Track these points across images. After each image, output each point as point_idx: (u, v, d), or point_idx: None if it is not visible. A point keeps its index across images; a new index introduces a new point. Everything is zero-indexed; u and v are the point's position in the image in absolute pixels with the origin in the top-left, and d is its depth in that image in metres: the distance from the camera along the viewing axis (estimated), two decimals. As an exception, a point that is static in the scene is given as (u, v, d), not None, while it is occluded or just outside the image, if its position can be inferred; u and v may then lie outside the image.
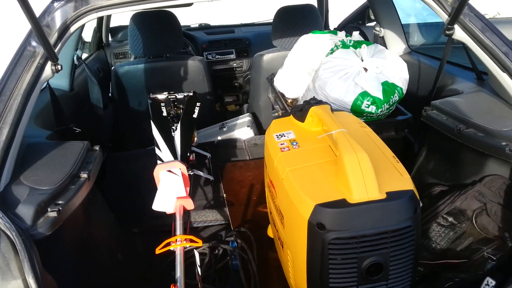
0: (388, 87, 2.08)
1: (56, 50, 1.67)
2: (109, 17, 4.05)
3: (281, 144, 1.59)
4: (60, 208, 1.44)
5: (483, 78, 2.14)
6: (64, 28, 1.70)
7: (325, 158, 1.47)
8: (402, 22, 2.98)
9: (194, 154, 2.27)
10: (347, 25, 4.18)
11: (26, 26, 1.53)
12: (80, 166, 1.66)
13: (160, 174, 1.72)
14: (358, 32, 2.39)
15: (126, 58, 4.08)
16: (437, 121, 1.98)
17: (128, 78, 2.95)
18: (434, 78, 2.23)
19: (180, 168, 1.73)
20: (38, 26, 1.50)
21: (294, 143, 1.58)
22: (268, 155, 1.67)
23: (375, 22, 3.09)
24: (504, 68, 1.76)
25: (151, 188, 1.73)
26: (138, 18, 2.91)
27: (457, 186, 1.91)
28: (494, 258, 1.60)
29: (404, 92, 2.17)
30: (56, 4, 1.70)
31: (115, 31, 4.42)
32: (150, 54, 2.98)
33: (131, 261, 2.10)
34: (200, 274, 1.61)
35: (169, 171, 1.73)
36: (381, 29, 2.98)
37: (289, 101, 2.57)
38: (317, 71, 2.16)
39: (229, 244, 2.08)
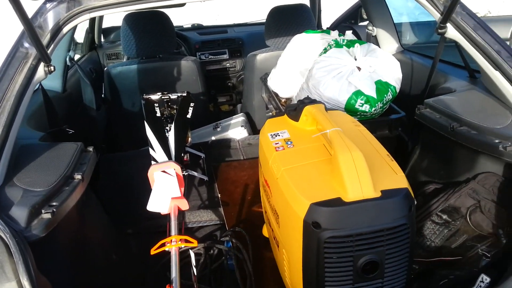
0: (381, 86, 2.08)
1: (48, 51, 1.66)
2: (101, 18, 4.04)
3: (276, 143, 1.59)
4: (54, 210, 1.43)
5: (475, 76, 2.15)
6: (57, 29, 1.70)
7: (320, 157, 1.47)
8: (395, 21, 2.99)
9: (188, 154, 2.26)
10: (340, 25, 4.19)
11: (19, 27, 1.53)
12: (74, 168, 1.65)
13: (155, 174, 1.72)
14: (351, 31, 2.40)
15: (119, 59, 4.07)
16: (430, 119, 1.98)
17: (121, 79, 2.94)
18: (427, 76, 2.24)
19: (174, 168, 1.73)
20: (30, 27, 1.49)
21: (289, 143, 1.58)
22: (263, 155, 1.67)
23: (367, 22, 3.10)
24: (497, 66, 1.77)
25: (146, 189, 1.73)
26: (130, 18, 2.90)
27: (451, 184, 1.92)
28: (489, 255, 1.61)
29: (398, 90, 2.17)
30: (48, 5, 1.69)
31: (107, 32, 4.41)
32: (143, 54, 2.97)
33: (125, 262, 2.10)
34: (195, 274, 1.60)
35: (164, 171, 1.72)
36: (374, 28, 2.99)
37: (282, 100, 2.57)
38: (311, 70, 2.16)
39: (224, 244, 2.08)
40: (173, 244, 1.57)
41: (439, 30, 1.87)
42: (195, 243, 1.60)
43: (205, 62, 4.01)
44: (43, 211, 1.42)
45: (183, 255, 1.94)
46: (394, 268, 1.35)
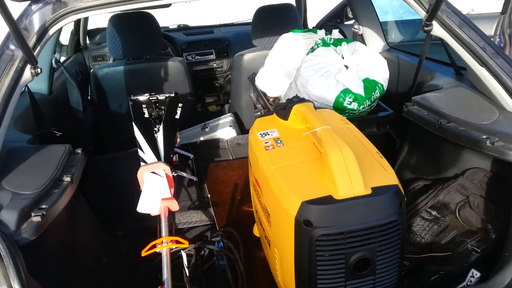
0: (369, 84, 2.09)
1: (35, 53, 1.65)
2: (86, 19, 4.02)
3: (265, 142, 1.59)
4: (44, 213, 1.42)
5: (461, 73, 2.18)
6: (43, 30, 1.68)
7: (310, 155, 1.47)
8: (380, 20, 3.01)
9: (177, 155, 2.25)
10: (326, 24, 4.20)
11: (4, 29, 1.51)
12: (63, 170, 1.64)
13: (144, 176, 1.71)
14: (338, 30, 2.41)
15: (105, 61, 4.05)
16: (418, 116, 2.00)
17: (107, 80, 2.92)
18: (414, 74, 2.26)
19: (164, 169, 1.72)
20: (16, 29, 1.48)
21: (279, 141, 1.58)
22: (253, 154, 1.66)
23: (353, 20, 3.11)
24: (482, 62, 1.79)
25: (135, 191, 1.72)
26: (116, 20, 2.88)
27: (440, 180, 1.93)
28: (478, 250, 1.62)
29: (385, 88, 2.19)
30: (34, 7, 1.68)
31: (92, 33, 4.39)
32: (130, 56, 2.96)
33: (116, 264, 2.08)
34: (188, 275, 1.60)
35: (153, 172, 1.71)
36: (360, 27, 3.01)
37: (271, 100, 2.57)
38: (299, 69, 2.17)
39: (215, 245, 2.07)
40: (164, 245, 1.56)
41: (425, 28, 1.89)
42: (186, 244, 1.59)
43: (192, 62, 4.00)
44: (32, 214, 1.41)
45: (173, 256, 1.93)
46: (385, 265, 1.35)
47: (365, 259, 1.31)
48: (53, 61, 2.83)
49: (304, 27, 3.95)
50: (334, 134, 1.39)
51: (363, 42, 3.00)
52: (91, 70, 2.99)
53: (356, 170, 1.29)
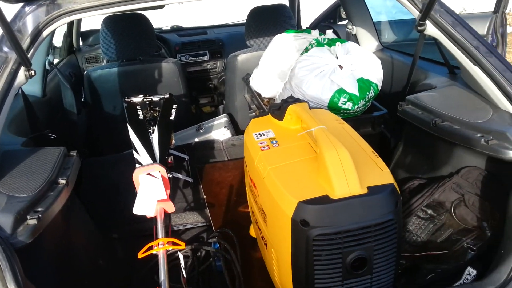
0: (363, 83, 2.10)
1: (29, 55, 1.64)
2: (79, 21, 4.00)
3: (261, 143, 1.59)
4: (40, 216, 1.41)
5: (455, 72, 2.18)
6: (37, 32, 1.67)
7: (305, 155, 1.47)
8: (374, 20, 3.02)
9: (172, 156, 2.25)
10: (319, 24, 4.21)
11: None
12: (58, 172, 1.63)
13: (140, 177, 1.71)
14: (331, 30, 2.42)
15: (98, 62, 4.03)
16: (412, 115, 2.00)
17: (101, 82, 2.91)
18: (408, 73, 2.27)
19: (159, 171, 1.72)
20: (10, 31, 1.47)
21: (274, 142, 1.58)
22: (248, 155, 1.66)
23: (347, 21, 3.12)
24: (476, 61, 1.80)
25: (130, 193, 1.71)
26: (110, 21, 2.87)
27: (435, 179, 1.94)
28: (474, 248, 1.63)
29: (379, 88, 2.19)
30: (27, 9, 1.67)
31: (85, 35, 4.36)
32: (123, 57, 2.95)
33: (112, 266, 2.08)
34: (185, 276, 1.60)
35: (149, 174, 1.71)
36: (353, 27, 3.02)
37: (265, 100, 2.57)
38: (293, 69, 2.17)
39: (211, 246, 2.07)
40: (161, 247, 1.56)
41: (419, 28, 1.90)
42: (183, 245, 1.59)
43: (185, 63, 3.99)
44: (28, 217, 1.40)
45: (170, 258, 1.93)
46: (382, 264, 1.36)
47: (362, 258, 1.32)
48: (46, 63, 2.81)
49: (297, 27, 3.96)
50: (330, 134, 1.39)
51: (357, 42, 3.01)
52: (85, 72, 2.98)
53: (352, 170, 1.30)
